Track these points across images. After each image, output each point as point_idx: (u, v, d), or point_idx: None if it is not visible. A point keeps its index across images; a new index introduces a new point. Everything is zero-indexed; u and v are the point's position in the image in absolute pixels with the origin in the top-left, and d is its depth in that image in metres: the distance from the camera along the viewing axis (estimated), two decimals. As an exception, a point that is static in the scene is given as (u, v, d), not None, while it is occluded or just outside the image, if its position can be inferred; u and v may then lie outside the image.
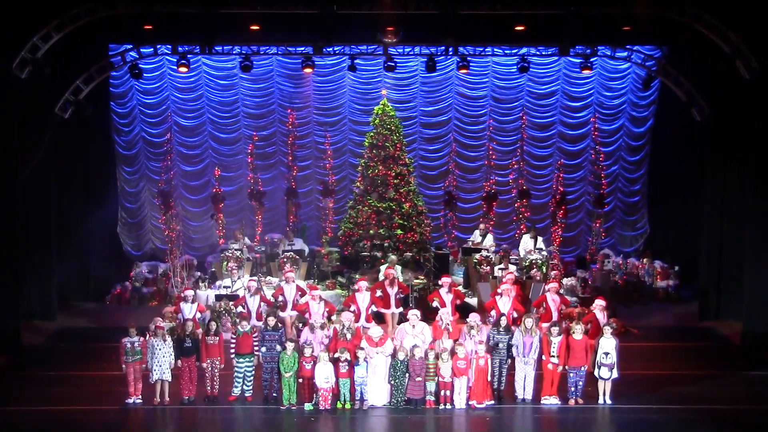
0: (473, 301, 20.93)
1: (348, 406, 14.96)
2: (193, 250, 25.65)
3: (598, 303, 16.58)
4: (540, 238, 22.89)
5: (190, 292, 17.18)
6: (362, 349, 15.01)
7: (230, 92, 25.95)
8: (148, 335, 15.24)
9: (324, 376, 14.80)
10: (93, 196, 23.93)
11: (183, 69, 22.65)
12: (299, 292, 18.30)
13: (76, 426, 14.42)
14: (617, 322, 18.24)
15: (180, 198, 25.96)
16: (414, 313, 15.82)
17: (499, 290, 17.25)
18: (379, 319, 18.45)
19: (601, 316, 16.32)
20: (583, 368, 15.07)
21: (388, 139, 22.81)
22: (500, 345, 15.24)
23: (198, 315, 17.11)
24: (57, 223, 22.00)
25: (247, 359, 15.43)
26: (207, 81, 25.75)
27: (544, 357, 15.14)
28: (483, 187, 26.05)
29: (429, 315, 17.53)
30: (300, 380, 15.01)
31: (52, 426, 14.41)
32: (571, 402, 15.14)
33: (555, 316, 16.86)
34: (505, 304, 16.80)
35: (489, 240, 23.31)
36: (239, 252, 22.15)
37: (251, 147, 25.47)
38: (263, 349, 15.26)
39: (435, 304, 17.46)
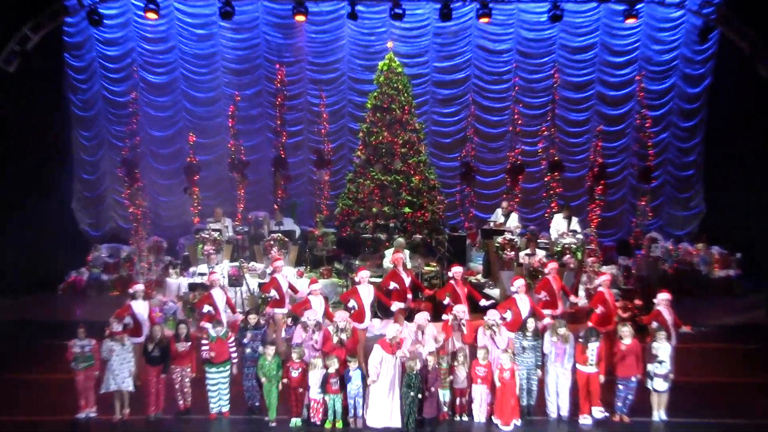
0: (494, 292, 20.55)
1: (340, 425, 14.56)
2: (162, 230, 25.51)
3: (663, 298, 16.07)
4: (574, 219, 22.54)
5: (139, 287, 16.53)
6: (354, 357, 14.67)
7: (208, 44, 25.88)
8: (107, 332, 14.93)
9: (317, 385, 14.48)
10: (43, 165, 23.64)
11: (151, 15, 22.50)
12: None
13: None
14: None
15: (147, 168, 25.79)
16: (423, 316, 15.33)
17: (514, 286, 16.66)
18: (385, 313, 18.25)
19: (668, 314, 15.90)
20: (633, 379, 14.73)
21: (395, 100, 22.79)
22: (527, 352, 14.92)
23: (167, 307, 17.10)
24: (-1, 197, 21.81)
25: (222, 369, 14.98)
26: (180, 30, 25.67)
27: (578, 366, 14.82)
28: (507, 157, 25.80)
29: (442, 310, 17.05)
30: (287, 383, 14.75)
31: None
32: (616, 418, 14.87)
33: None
34: (524, 302, 16.23)
35: (513, 220, 23.04)
36: (218, 233, 21.84)
37: (232, 108, 25.04)
38: (247, 350, 14.99)
39: (447, 300, 16.91)
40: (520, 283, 16.33)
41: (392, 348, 14.54)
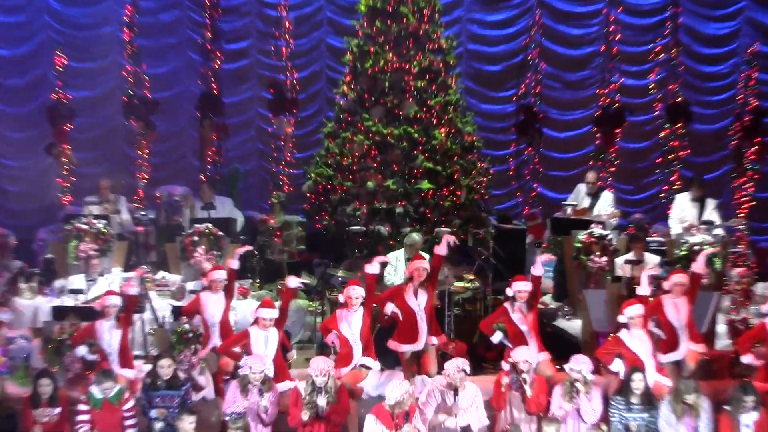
0: (573, 325, 20.51)
1: None
2: (9, 216, 25.85)
3: None
4: (710, 202, 22.32)
5: None
6: None
7: None
8: None
9: (271, 480, 14.47)
10: None
11: None
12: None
13: None
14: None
15: (-13, 111, 26.09)
16: (456, 366, 14.94)
17: (625, 315, 16.38)
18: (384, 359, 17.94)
19: None
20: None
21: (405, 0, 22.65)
22: (633, 428, 14.64)
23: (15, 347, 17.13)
24: None
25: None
26: None
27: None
28: (596, 97, 26.14)
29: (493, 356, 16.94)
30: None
31: None
32: None
33: None
34: (642, 345, 16.01)
35: (606, 204, 22.82)
36: (103, 223, 21.54)
37: (130, 11, 25.31)
38: (157, 425, 14.78)
39: (499, 338, 16.72)
40: (635, 311, 15.99)
41: (396, 421, 14.16)
